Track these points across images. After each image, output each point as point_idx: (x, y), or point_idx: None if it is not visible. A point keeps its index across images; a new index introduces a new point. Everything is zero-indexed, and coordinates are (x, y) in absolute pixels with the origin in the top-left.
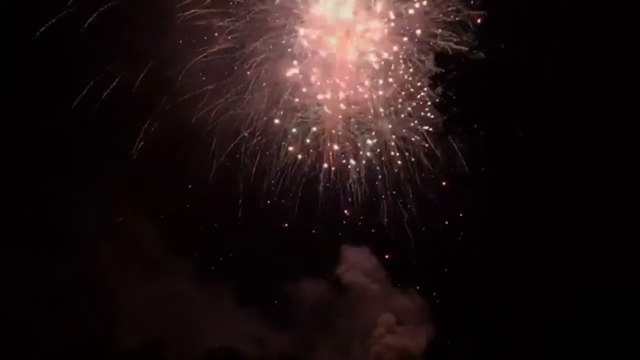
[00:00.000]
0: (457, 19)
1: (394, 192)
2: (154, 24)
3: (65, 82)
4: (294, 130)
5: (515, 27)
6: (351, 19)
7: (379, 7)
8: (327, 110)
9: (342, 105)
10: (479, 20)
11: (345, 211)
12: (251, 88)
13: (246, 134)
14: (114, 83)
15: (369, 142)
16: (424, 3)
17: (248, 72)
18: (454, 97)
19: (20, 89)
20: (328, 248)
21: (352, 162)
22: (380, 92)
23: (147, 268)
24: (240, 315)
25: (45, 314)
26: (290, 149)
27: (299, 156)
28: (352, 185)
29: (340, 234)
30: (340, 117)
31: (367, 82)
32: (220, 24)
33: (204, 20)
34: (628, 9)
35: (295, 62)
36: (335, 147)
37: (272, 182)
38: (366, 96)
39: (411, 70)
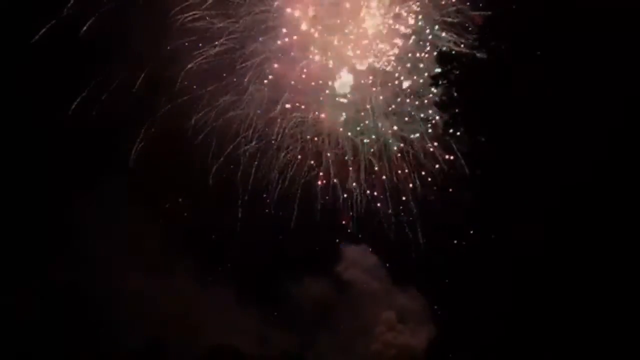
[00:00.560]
0: (457, 19)
1: (394, 192)
2: (154, 26)
3: (64, 83)
4: (293, 130)
5: (515, 27)
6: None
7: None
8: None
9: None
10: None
11: (344, 216)
12: (251, 89)
13: (245, 135)
14: (114, 85)
15: (368, 142)
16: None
17: (248, 73)
18: (455, 97)
19: (18, 91)
20: (328, 247)
21: (351, 161)
22: (380, 92)
23: (149, 268)
24: (242, 315)
25: (47, 313)
26: (290, 149)
27: (299, 157)
28: (352, 186)
29: (340, 233)
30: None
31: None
32: (220, 24)
33: (203, 21)
34: (628, 9)
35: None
36: (334, 148)
37: (272, 181)
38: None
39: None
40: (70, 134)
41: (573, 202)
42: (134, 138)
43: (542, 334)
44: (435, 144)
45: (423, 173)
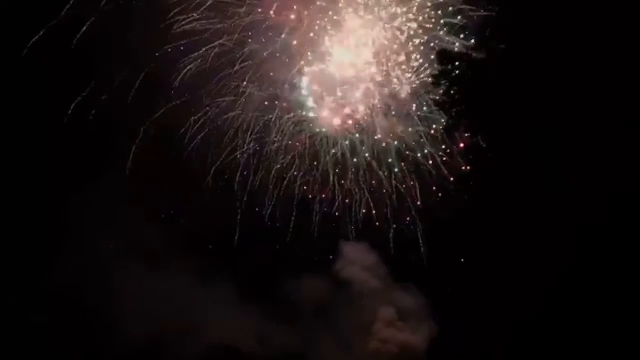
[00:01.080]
0: (458, 19)
1: (393, 191)
2: (152, 27)
3: (62, 85)
4: (291, 130)
5: (516, 27)
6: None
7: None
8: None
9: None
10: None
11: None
12: (249, 90)
13: (244, 135)
14: (112, 86)
15: (367, 141)
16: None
17: (246, 74)
18: (457, 96)
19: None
20: (327, 245)
21: (349, 162)
22: (378, 93)
23: (148, 267)
24: (241, 313)
25: (45, 313)
26: (288, 149)
27: (297, 159)
28: (350, 185)
29: (339, 232)
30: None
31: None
32: (218, 26)
33: (201, 22)
34: (629, 9)
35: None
36: (332, 147)
37: (270, 181)
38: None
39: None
40: (68, 135)
41: (574, 202)
42: (134, 137)
43: (544, 333)
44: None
45: (422, 173)
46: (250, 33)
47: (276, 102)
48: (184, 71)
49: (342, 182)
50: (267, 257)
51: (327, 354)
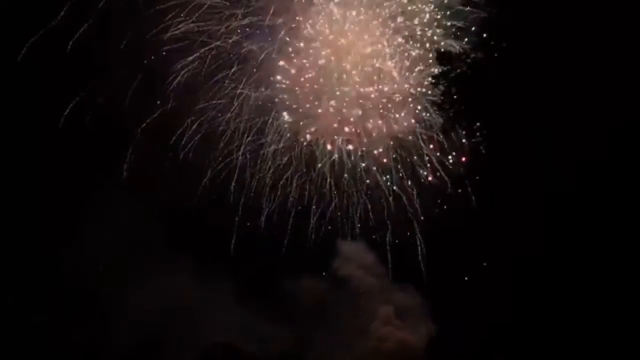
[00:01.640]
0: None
1: (390, 193)
2: (147, 30)
3: (61, 86)
4: (288, 129)
5: (515, 27)
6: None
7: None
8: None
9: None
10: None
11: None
12: (246, 92)
13: (240, 137)
14: (110, 88)
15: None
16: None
17: (243, 76)
18: (455, 97)
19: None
20: (325, 245)
21: (348, 162)
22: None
23: (148, 267)
24: (240, 313)
25: (45, 313)
26: (285, 149)
27: (294, 161)
28: (348, 187)
29: (337, 231)
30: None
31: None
32: (216, 27)
33: (199, 24)
34: (628, 9)
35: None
36: (329, 146)
37: (267, 183)
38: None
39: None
40: (65, 135)
41: (572, 202)
42: (130, 138)
43: (541, 333)
44: (431, 145)
45: (421, 174)
46: (247, 35)
47: (272, 104)
48: (182, 73)
49: (339, 183)
50: (266, 258)
51: (326, 353)
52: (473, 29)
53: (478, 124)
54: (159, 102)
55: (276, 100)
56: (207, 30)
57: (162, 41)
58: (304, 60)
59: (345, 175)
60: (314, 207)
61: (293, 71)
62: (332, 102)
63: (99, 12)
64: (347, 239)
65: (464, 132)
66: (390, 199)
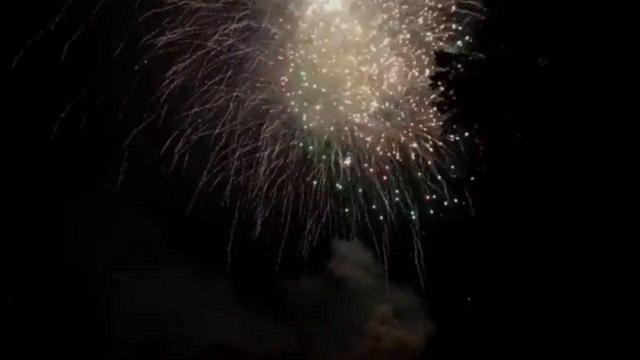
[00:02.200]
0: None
1: (388, 194)
2: (143, 33)
3: (59, 88)
4: (284, 131)
5: (515, 27)
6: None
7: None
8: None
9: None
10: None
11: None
12: (242, 95)
13: (236, 140)
14: (107, 91)
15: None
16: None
17: (239, 77)
18: (454, 97)
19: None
20: (323, 244)
21: (347, 162)
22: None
23: (148, 266)
24: (240, 313)
25: (45, 313)
26: (281, 150)
27: (290, 163)
28: (344, 188)
29: (335, 231)
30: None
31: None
32: (211, 31)
33: (195, 27)
34: (628, 9)
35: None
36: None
37: (263, 185)
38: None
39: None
40: (66, 137)
41: (573, 202)
42: (125, 141)
43: (540, 333)
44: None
45: (420, 175)
46: (242, 38)
47: (268, 107)
48: (178, 76)
49: (336, 184)
50: (264, 259)
51: (325, 353)
52: (470, 31)
53: (476, 125)
54: (154, 106)
55: (271, 103)
56: (202, 33)
57: (157, 45)
58: (300, 63)
59: (341, 177)
60: (309, 208)
61: (288, 74)
62: (329, 105)
63: (95, 16)
64: (344, 239)
65: (462, 132)
66: (388, 198)
